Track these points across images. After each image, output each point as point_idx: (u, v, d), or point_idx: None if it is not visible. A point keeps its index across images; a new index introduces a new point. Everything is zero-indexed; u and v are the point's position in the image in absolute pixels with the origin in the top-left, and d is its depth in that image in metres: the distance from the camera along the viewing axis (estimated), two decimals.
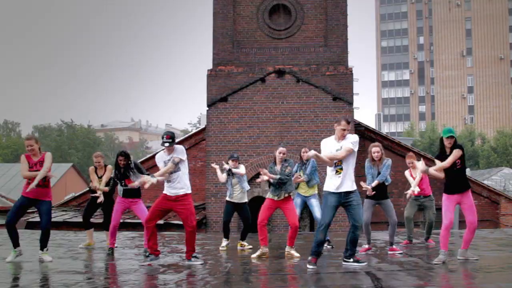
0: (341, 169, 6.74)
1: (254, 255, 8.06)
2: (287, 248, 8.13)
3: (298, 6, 16.42)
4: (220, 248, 9.31)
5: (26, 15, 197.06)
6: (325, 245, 9.29)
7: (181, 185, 7.25)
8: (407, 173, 9.77)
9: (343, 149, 6.71)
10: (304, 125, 15.77)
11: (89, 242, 9.72)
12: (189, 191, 7.39)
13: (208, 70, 16.22)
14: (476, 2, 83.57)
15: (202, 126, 18.81)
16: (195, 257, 7.42)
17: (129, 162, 8.50)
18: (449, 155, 7.00)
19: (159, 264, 7.35)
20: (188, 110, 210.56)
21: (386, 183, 8.42)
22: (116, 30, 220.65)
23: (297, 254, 8.01)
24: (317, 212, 9.06)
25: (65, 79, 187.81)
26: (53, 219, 15.93)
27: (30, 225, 16.14)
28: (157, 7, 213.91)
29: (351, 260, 6.95)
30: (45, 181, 7.53)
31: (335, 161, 6.76)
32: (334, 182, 6.77)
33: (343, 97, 15.79)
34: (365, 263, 6.99)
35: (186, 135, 19.87)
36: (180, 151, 7.25)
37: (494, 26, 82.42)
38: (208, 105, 16.09)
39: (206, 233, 15.23)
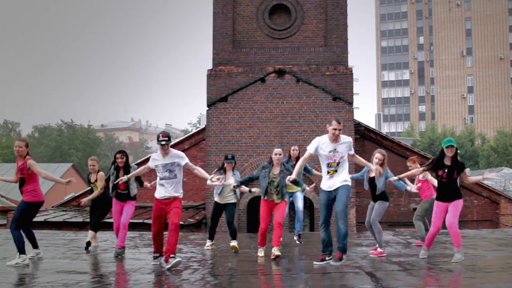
0: (335, 171, 6.90)
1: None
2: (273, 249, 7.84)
3: (298, 6, 16.42)
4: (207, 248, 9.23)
5: (26, 15, 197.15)
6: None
7: (175, 189, 7.10)
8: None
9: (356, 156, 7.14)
10: (304, 125, 15.77)
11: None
12: (181, 196, 7.23)
13: (208, 70, 16.22)
14: (476, 2, 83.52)
15: (202, 126, 18.80)
16: (173, 257, 6.95)
17: (128, 162, 8.50)
18: (449, 165, 7.22)
19: (159, 264, 7.35)
20: (188, 110, 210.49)
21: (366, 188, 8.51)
22: (116, 30, 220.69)
23: (278, 253, 7.73)
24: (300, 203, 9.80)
25: (65, 79, 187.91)
26: (53, 219, 16.09)
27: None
28: (157, 7, 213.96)
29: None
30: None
31: (329, 161, 6.91)
32: (328, 183, 6.95)
33: (343, 97, 15.79)
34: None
35: (186, 135, 19.87)
36: (178, 156, 7.11)
37: (494, 26, 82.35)
38: (208, 105, 16.09)
39: (206, 233, 15.23)
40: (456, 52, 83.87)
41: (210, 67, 16.28)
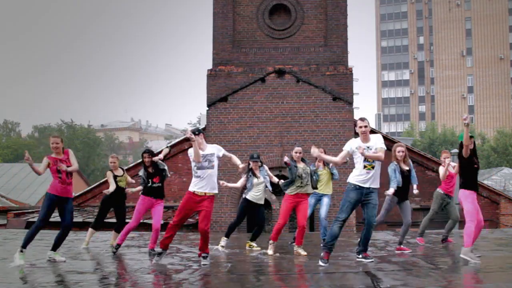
0: (372, 167, 6.94)
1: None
2: (295, 247, 8.34)
3: (298, 6, 16.42)
4: (221, 248, 9.15)
5: (26, 15, 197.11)
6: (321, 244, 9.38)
7: (210, 184, 7.20)
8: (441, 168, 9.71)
9: (380, 150, 6.90)
10: (304, 125, 15.76)
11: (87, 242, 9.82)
12: (214, 194, 7.32)
13: (208, 70, 16.22)
14: (476, 2, 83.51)
15: (202, 126, 18.82)
16: (205, 257, 7.26)
17: (155, 160, 8.68)
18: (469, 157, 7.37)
19: (159, 264, 7.35)
20: (188, 110, 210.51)
21: (399, 185, 8.39)
22: (116, 30, 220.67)
23: (304, 253, 8.13)
24: (324, 211, 9.40)
25: (65, 79, 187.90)
26: (52, 219, 16.00)
27: (30, 225, 16.12)
28: (157, 7, 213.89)
29: (361, 256, 7.26)
30: (69, 179, 7.56)
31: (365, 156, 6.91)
32: (364, 178, 6.91)
33: (343, 97, 15.79)
34: (372, 260, 7.17)
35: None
36: (216, 148, 7.46)
37: (494, 26, 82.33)
38: (208, 105, 16.09)
39: None
40: (456, 52, 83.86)
41: (210, 67, 16.27)
